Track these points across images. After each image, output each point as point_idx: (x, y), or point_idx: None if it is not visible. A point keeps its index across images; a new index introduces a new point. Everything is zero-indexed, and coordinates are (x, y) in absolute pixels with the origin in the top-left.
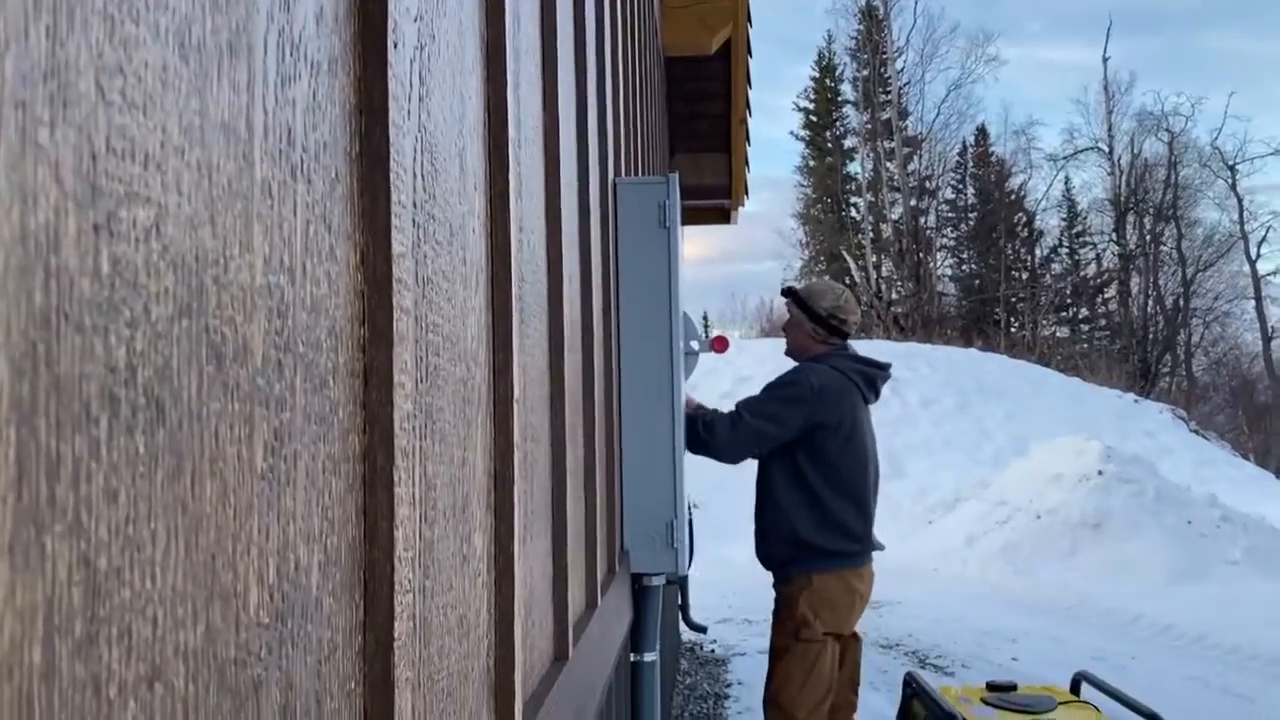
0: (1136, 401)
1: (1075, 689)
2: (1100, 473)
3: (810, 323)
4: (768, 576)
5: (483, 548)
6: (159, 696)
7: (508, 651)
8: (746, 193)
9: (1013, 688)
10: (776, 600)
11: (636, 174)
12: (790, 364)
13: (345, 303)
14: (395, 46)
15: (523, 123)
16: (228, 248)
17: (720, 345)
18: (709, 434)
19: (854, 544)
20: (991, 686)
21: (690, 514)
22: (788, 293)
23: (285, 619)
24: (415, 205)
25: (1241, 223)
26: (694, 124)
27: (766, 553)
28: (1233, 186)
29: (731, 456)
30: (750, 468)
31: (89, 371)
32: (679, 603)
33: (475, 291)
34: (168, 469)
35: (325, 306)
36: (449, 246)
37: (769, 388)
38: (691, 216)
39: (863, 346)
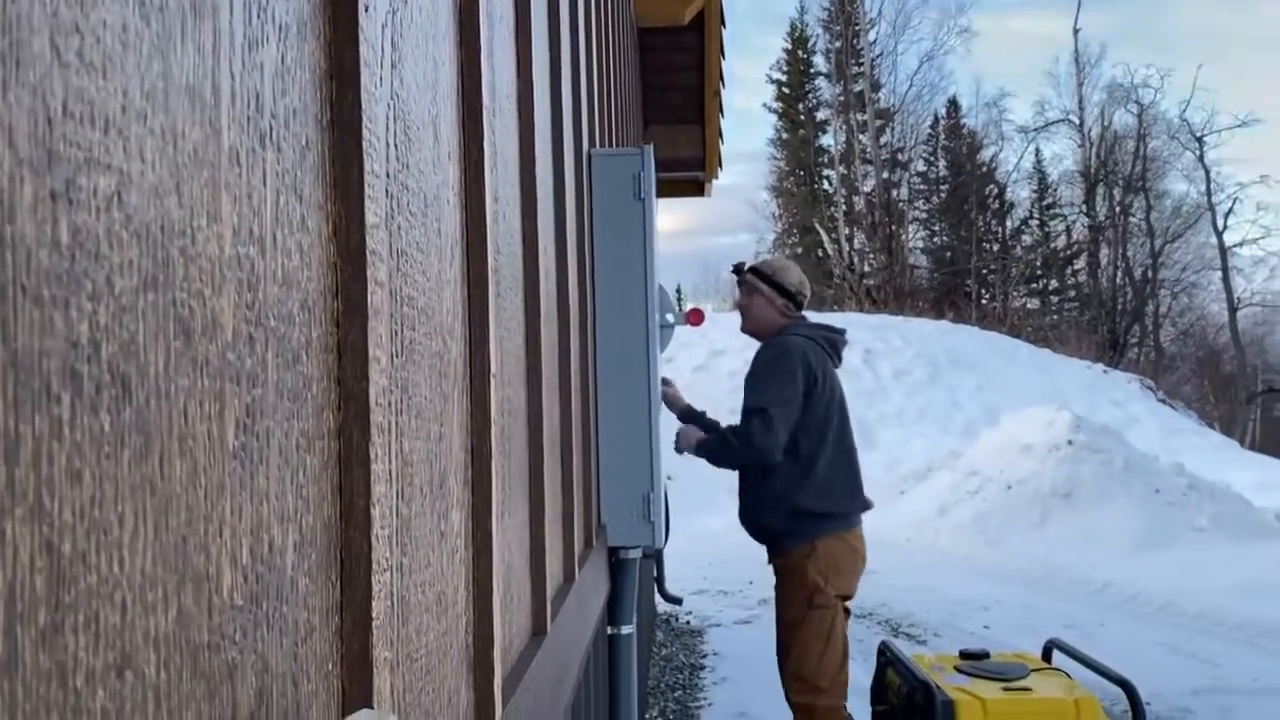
0: (1105, 372)
1: (1046, 656)
2: (1070, 443)
3: (781, 298)
4: (743, 548)
5: (460, 524)
6: (129, 684)
7: (486, 628)
8: (720, 165)
9: (985, 655)
10: (778, 573)
11: (611, 146)
12: (751, 341)
13: (318, 275)
14: (366, 10)
15: (497, 90)
16: (195, 218)
17: (696, 318)
18: (745, 443)
19: (847, 503)
20: (964, 654)
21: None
22: (749, 271)
23: (260, 601)
24: (389, 175)
25: (1209, 194)
26: (668, 96)
27: (761, 525)
28: (1200, 158)
29: (775, 453)
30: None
31: (49, 347)
32: (655, 575)
33: (450, 264)
34: (134, 448)
35: (297, 279)
36: (423, 218)
37: (764, 373)
38: (666, 189)
39: (835, 319)
